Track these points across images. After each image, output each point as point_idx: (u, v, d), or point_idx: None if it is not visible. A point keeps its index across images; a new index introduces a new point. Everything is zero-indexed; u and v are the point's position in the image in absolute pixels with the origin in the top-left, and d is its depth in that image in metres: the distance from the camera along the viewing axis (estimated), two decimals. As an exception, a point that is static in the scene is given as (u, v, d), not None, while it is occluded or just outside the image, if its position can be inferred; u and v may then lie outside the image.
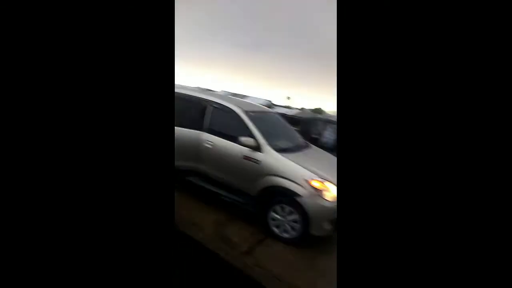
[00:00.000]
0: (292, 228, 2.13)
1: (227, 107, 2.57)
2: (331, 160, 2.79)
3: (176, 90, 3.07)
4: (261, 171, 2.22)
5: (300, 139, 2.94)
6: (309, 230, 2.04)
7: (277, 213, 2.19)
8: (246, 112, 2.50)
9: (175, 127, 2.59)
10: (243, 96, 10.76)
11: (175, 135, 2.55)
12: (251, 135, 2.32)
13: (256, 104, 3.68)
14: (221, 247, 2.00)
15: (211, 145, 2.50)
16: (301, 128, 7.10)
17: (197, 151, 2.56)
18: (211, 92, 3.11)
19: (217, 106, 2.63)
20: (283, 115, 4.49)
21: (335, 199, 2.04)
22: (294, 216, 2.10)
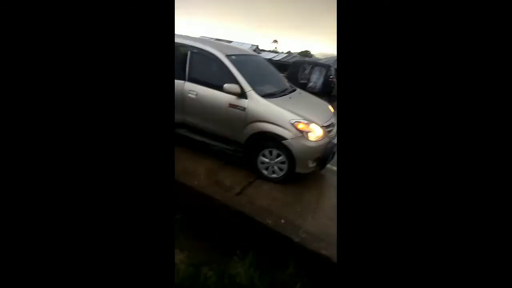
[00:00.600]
0: (280, 169, 2.28)
1: (207, 51, 2.40)
2: (317, 103, 2.81)
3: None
4: (247, 118, 2.23)
5: (286, 83, 2.87)
6: (295, 169, 2.19)
7: (265, 157, 2.30)
8: (228, 56, 2.35)
9: None
10: (228, 42, 9.91)
11: None
12: (235, 81, 2.23)
13: (242, 48, 3.43)
14: (216, 191, 2.15)
15: (195, 95, 2.42)
16: (289, 73, 6.85)
17: (181, 102, 2.49)
18: (190, 37, 2.84)
19: (196, 51, 2.44)
20: (270, 60, 4.27)
21: (319, 139, 2.13)
22: (281, 158, 2.22)
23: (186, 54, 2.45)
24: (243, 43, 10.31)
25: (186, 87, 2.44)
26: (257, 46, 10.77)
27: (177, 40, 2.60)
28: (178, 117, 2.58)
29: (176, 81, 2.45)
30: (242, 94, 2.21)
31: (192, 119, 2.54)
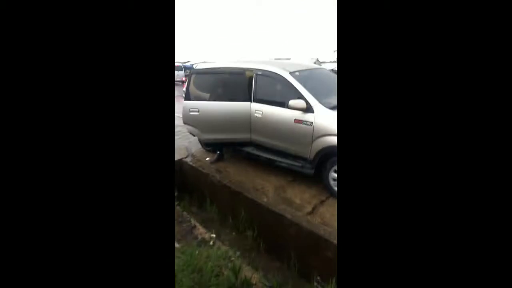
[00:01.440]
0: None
1: (270, 71, 2.49)
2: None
3: (217, 65, 3.12)
4: (315, 133, 2.14)
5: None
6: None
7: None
8: (291, 73, 2.37)
9: (225, 102, 2.70)
10: (287, 59, 10.17)
11: (227, 110, 2.68)
12: (300, 96, 2.21)
13: (302, 63, 3.43)
14: (286, 209, 2.10)
15: (260, 114, 2.52)
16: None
17: (248, 122, 2.63)
18: (253, 60, 3.03)
19: (260, 73, 2.57)
20: (332, 71, 4.08)
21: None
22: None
23: (252, 77, 2.61)
24: (304, 59, 10.35)
25: (253, 108, 2.57)
26: (317, 58, 10.59)
27: (241, 65, 2.82)
28: (245, 136, 2.72)
29: (243, 103, 2.63)
30: (309, 109, 2.16)
31: (258, 137, 2.63)
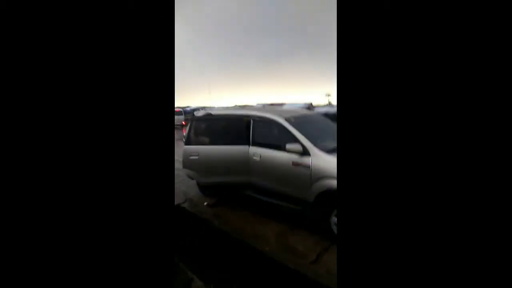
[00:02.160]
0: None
1: (267, 118, 2.64)
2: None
3: (216, 112, 3.31)
4: (313, 175, 2.17)
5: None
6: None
7: (339, 217, 2.08)
8: (287, 119, 2.52)
9: (224, 146, 2.79)
10: (281, 105, 10.76)
11: (226, 153, 2.75)
12: (296, 140, 2.31)
13: (296, 109, 3.66)
14: (289, 259, 1.99)
15: (259, 157, 2.58)
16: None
17: (247, 165, 2.67)
18: (250, 107, 3.23)
19: (258, 119, 2.72)
20: (325, 115, 4.33)
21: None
22: (359, 218, 1.96)
23: (249, 122, 2.76)
24: (297, 103, 11.00)
25: (251, 151, 2.65)
26: (311, 103, 11.25)
27: (239, 111, 2.99)
28: (244, 179, 2.73)
29: (241, 147, 2.71)
30: (305, 152, 2.23)
31: (258, 180, 2.64)
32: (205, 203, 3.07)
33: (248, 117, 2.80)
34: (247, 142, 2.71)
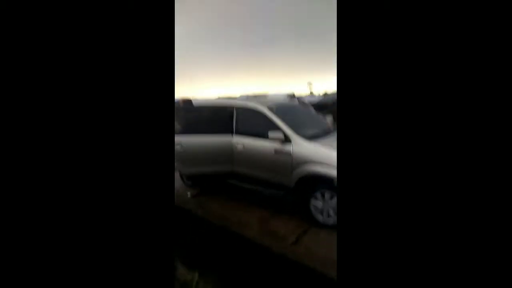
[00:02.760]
0: (335, 211, 2.11)
1: (250, 107, 2.66)
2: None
3: (201, 102, 3.27)
4: (294, 162, 2.25)
5: (327, 124, 2.89)
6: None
7: (318, 200, 2.19)
8: (269, 108, 2.55)
9: (207, 135, 2.78)
10: (265, 95, 10.71)
11: (209, 143, 2.75)
12: (278, 128, 2.36)
13: (278, 99, 3.70)
14: (271, 242, 2.07)
15: (242, 146, 2.61)
16: (329, 112, 6.85)
17: (231, 154, 2.70)
18: (234, 98, 3.24)
19: (240, 109, 2.73)
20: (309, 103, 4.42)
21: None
22: (335, 200, 2.08)
23: (232, 112, 2.76)
24: (280, 94, 11.02)
25: (234, 140, 2.67)
26: (293, 93, 11.33)
27: (222, 102, 2.98)
28: (228, 168, 2.76)
29: (225, 136, 2.73)
30: (286, 140, 2.30)
31: (241, 169, 2.68)
32: (188, 194, 3.07)
33: (230, 106, 2.80)
34: (230, 132, 2.72)
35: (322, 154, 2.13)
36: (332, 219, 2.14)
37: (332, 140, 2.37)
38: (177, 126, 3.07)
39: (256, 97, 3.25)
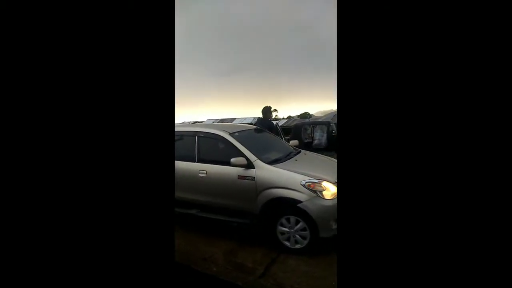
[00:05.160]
0: (302, 237, 2.08)
1: (212, 133, 2.62)
2: (324, 161, 2.81)
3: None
4: (258, 187, 2.21)
5: (289, 147, 2.97)
6: (319, 233, 2.00)
7: (284, 226, 2.15)
8: (231, 134, 2.54)
9: (176, 161, 2.62)
10: (231, 120, 10.89)
11: (177, 169, 2.58)
12: (241, 154, 2.34)
13: (242, 124, 3.75)
14: (238, 276, 1.92)
15: (204, 173, 2.50)
16: (292, 135, 7.16)
17: (193, 182, 2.56)
18: (198, 123, 3.18)
19: (203, 135, 2.67)
20: (270, 128, 4.56)
21: (335, 196, 2.02)
22: (301, 224, 2.06)
23: (194, 139, 2.68)
24: (246, 118, 11.30)
25: (196, 168, 2.56)
26: (259, 117, 11.72)
27: (183, 128, 2.90)
28: (190, 196, 2.60)
29: (187, 163, 2.60)
30: (249, 165, 2.27)
31: (204, 198, 2.54)
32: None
33: (193, 133, 2.73)
34: (193, 159, 2.61)
35: (284, 177, 2.15)
36: (299, 244, 2.10)
37: (293, 163, 2.43)
38: None
39: (224, 121, 3.25)
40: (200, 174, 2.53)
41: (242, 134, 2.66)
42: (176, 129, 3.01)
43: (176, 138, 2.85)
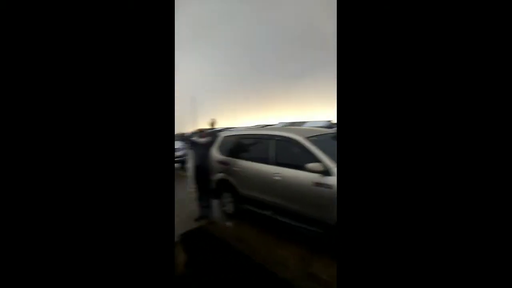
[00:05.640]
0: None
1: (288, 137, 2.64)
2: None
3: (241, 132, 3.40)
4: (336, 196, 2.06)
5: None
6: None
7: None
8: (307, 138, 2.49)
9: (252, 162, 2.85)
10: (302, 123, 10.71)
11: (253, 169, 2.78)
12: (317, 160, 2.25)
13: (316, 127, 3.62)
14: (313, 287, 1.85)
15: (280, 177, 2.54)
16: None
17: (268, 184, 2.64)
18: (271, 126, 3.30)
19: (279, 138, 2.73)
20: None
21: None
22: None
23: (272, 142, 2.77)
24: (317, 121, 10.87)
25: (272, 170, 2.63)
26: (330, 121, 11.05)
27: (260, 131, 3.05)
28: (265, 198, 2.69)
29: (263, 165, 2.72)
30: (327, 172, 2.16)
31: (278, 200, 2.58)
32: (227, 224, 3.05)
33: (269, 136, 2.83)
34: (270, 162, 2.70)
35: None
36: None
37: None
38: (223, 150, 3.27)
39: (294, 125, 3.26)
40: (275, 177, 2.58)
41: (320, 139, 2.56)
42: (252, 132, 3.20)
43: (253, 141, 3.03)
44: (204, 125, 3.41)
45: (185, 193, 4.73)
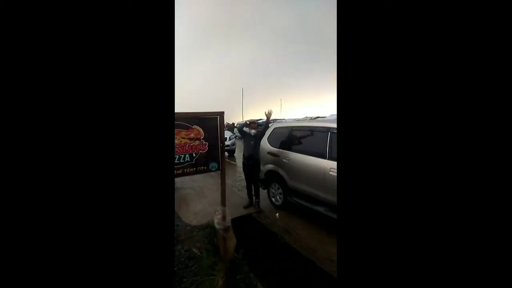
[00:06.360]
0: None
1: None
2: None
3: (292, 123, 3.30)
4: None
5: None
6: None
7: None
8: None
9: (306, 156, 2.75)
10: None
11: (307, 163, 2.69)
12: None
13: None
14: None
15: (335, 172, 2.37)
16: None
17: (322, 179, 2.50)
18: (323, 118, 3.11)
19: (335, 131, 2.54)
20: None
21: None
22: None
23: (326, 135, 2.59)
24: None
25: (328, 166, 2.47)
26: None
27: (317, 124, 2.88)
28: (318, 193, 2.57)
29: (317, 159, 2.58)
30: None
31: (333, 198, 2.42)
32: (276, 215, 3.04)
33: (325, 128, 2.65)
34: (325, 156, 2.55)
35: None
36: None
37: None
38: (274, 140, 3.25)
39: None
40: (330, 173, 2.42)
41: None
42: (305, 124, 3.05)
43: (306, 133, 2.89)
44: (255, 115, 3.42)
45: (234, 180, 4.92)
